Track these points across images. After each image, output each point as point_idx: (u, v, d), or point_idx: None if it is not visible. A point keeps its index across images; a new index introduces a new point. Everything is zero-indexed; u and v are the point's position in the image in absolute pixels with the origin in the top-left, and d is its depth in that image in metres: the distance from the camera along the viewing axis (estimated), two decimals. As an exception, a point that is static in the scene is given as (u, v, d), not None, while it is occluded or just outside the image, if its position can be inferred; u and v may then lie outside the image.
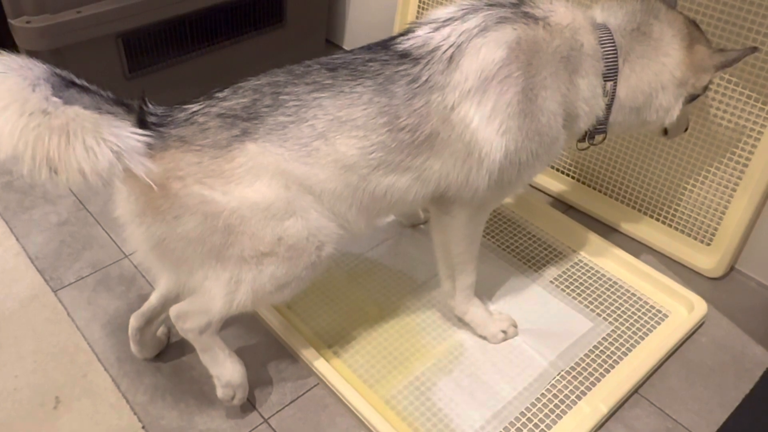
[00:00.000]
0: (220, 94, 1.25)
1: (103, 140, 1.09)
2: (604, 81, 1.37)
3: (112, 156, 1.10)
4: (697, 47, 1.41)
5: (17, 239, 1.89)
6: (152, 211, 1.21)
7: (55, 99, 1.09)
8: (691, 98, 1.48)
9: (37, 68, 1.11)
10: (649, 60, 1.38)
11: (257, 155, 1.20)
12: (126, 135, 1.12)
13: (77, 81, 1.16)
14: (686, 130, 1.64)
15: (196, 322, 1.34)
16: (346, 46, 2.85)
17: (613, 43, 1.35)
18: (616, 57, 1.36)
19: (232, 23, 2.35)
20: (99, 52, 2.05)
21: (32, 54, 1.90)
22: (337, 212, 1.30)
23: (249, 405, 1.48)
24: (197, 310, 1.33)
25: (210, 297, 1.30)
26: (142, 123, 1.19)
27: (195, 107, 1.24)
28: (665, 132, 1.60)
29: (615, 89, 1.38)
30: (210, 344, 1.38)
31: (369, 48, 1.32)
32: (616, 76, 1.37)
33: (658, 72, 1.39)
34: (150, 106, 1.23)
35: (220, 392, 1.41)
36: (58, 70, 1.15)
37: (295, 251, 1.26)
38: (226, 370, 1.40)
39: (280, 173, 1.22)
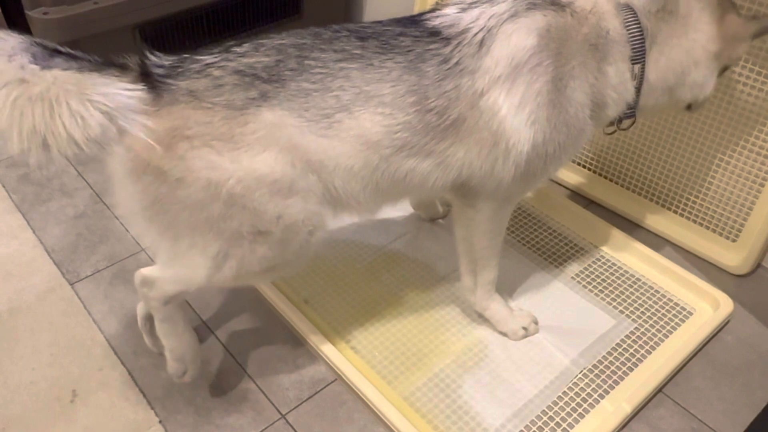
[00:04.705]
0: (238, 49, 1.17)
1: (89, 102, 1.00)
2: (632, 64, 1.33)
3: (103, 118, 1.01)
4: (729, 17, 1.36)
5: (34, 232, 1.89)
6: (153, 170, 1.13)
7: (32, 66, 1.00)
8: (723, 69, 1.43)
9: (11, 39, 1.03)
10: (678, 39, 1.34)
11: (271, 125, 1.14)
12: (115, 92, 1.03)
13: (62, 49, 1.07)
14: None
15: (167, 290, 1.28)
16: (364, 38, 2.82)
17: (639, 24, 1.30)
18: (643, 39, 1.31)
19: (250, 15, 2.33)
20: (116, 43, 2.04)
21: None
22: (349, 191, 1.25)
23: (266, 401, 1.46)
24: (172, 279, 1.27)
25: (192, 267, 1.23)
26: (146, 76, 1.12)
27: (209, 59, 1.16)
28: (689, 107, 1.55)
29: (643, 72, 1.34)
30: (172, 315, 1.34)
31: (399, 21, 1.27)
32: (644, 58, 1.32)
33: (690, 49, 1.34)
34: (154, 57, 1.15)
35: (171, 367, 1.38)
36: (39, 40, 1.06)
37: (290, 233, 1.22)
38: (181, 344, 1.36)
39: (289, 148, 1.16)
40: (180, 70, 1.15)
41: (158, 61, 1.16)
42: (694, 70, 1.37)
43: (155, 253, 1.30)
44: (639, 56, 1.32)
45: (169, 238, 1.22)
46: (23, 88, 0.98)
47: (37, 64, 1.01)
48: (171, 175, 1.13)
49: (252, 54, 1.17)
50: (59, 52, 1.06)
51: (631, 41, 1.31)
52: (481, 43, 1.22)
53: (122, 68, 1.12)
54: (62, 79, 1.00)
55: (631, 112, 1.40)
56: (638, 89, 1.36)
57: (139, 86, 1.08)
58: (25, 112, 0.98)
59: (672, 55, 1.35)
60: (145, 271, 1.31)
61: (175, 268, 1.27)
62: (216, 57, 1.16)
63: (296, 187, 1.19)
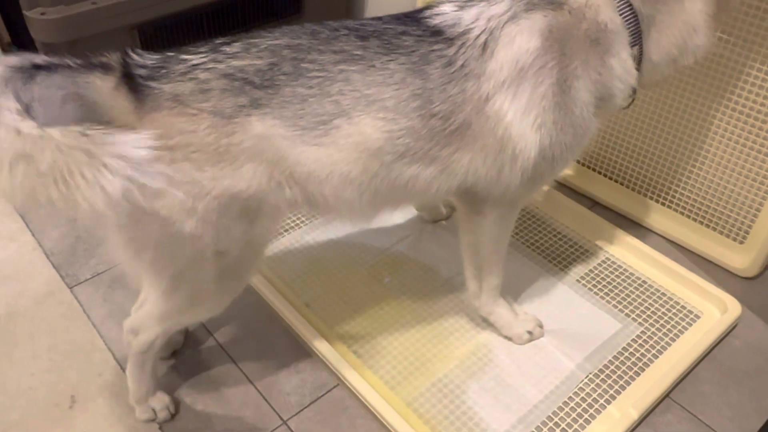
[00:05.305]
0: (228, 49, 1.10)
1: (104, 167, 0.90)
2: (631, 47, 1.28)
3: (124, 181, 0.91)
4: None
5: (33, 234, 1.87)
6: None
7: (27, 124, 0.91)
8: None
9: None
10: (676, 16, 1.29)
11: (259, 135, 1.09)
12: (129, 150, 0.92)
13: (40, 62, 1.01)
14: None
15: (150, 334, 1.30)
16: (365, 38, 2.80)
17: (631, 7, 1.25)
18: (637, 22, 1.27)
19: (249, 14, 2.31)
20: (115, 43, 2.01)
21: (47, 46, 1.89)
22: (344, 199, 1.20)
23: (267, 406, 1.44)
24: (147, 318, 1.29)
25: (155, 292, 1.23)
26: (128, 77, 1.06)
27: (196, 59, 1.09)
28: None
29: (641, 53, 1.30)
30: (144, 362, 1.36)
31: (398, 18, 1.22)
32: (641, 40, 1.28)
33: (688, 20, 1.29)
34: (136, 56, 1.08)
35: (138, 412, 1.40)
36: (12, 61, 0.98)
37: (247, 251, 1.20)
38: (141, 389, 1.38)
39: (273, 161, 1.11)
40: (164, 71, 1.09)
41: (141, 60, 1.10)
42: (695, 36, 1.32)
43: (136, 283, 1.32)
44: (636, 39, 1.28)
45: (132, 250, 1.16)
46: (31, 168, 0.90)
47: (30, 117, 0.92)
48: (150, 187, 1.06)
49: (243, 56, 1.11)
50: (38, 66, 1.00)
51: (627, 26, 1.27)
52: (485, 45, 1.18)
53: (104, 68, 1.07)
54: (68, 144, 0.91)
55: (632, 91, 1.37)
56: (638, 69, 1.32)
57: (148, 133, 0.99)
58: (38, 189, 0.91)
59: (672, 31, 1.30)
60: (132, 320, 1.33)
61: (147, 303, 1.28)
62: (203, 57, 1.10)
63: (265, 205, 1.15)
